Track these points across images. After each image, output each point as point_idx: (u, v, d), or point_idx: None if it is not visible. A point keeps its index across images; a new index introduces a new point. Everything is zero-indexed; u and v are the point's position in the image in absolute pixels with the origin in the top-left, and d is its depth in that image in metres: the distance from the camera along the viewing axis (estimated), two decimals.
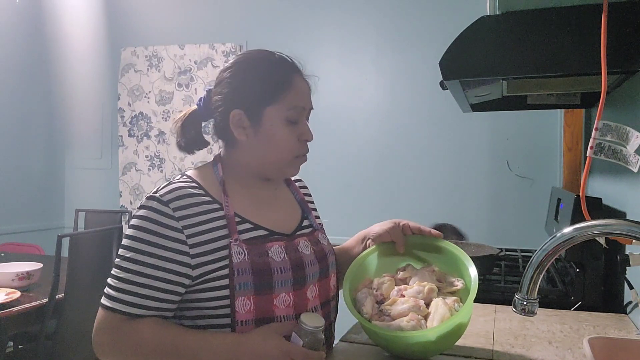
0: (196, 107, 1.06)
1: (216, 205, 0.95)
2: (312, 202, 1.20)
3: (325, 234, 1.12)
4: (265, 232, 0.98)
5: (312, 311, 0.99)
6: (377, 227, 1.15)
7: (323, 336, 0.91)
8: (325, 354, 0.90)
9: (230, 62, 1.04)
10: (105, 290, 0.91)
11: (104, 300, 0.91)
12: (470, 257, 1.59)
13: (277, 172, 1.04)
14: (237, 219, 0.96)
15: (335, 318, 1.11)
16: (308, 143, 1.04)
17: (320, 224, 1.15)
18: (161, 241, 0.90)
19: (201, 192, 0.96)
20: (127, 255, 0.90)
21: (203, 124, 1.08)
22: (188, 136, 1.06)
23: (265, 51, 1.04)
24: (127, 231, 0.93)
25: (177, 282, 0.90)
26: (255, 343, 0.86)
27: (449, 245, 1.11)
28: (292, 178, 1.18)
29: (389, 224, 1.14)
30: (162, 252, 0.90)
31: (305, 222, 1.09)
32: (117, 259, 0.92)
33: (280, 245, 0.97)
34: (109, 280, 0.91)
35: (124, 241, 0.93)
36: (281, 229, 1.02)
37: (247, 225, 0.97)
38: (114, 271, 0.91)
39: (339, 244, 1.26)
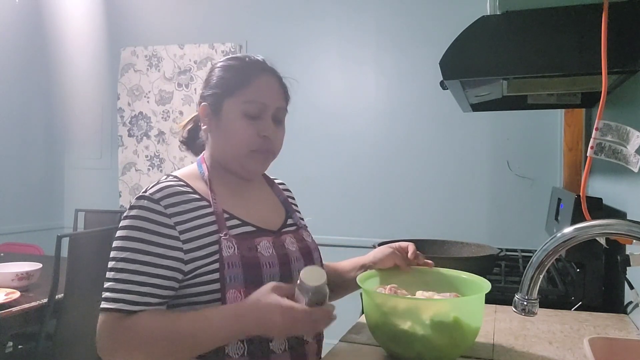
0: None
1: (204, 202, 0.98)
2: (296, 205, 1.22)
3: (309, 232, 1.14)
4: (253, 229, 1.01)
5: None
6: (378, 253, 1.16)
7: (327, 290, 0.87)
8: (333, 307, 0.87)
9: None
10: (104, 295, 0.91)
11: (104, 304, 0.90)
12: (470, 257, 1.59)
13: (238, 167, 1.04)
14: (226, 216, 0.99)
15: None
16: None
17: (303, 222, 1.17)
18: (155, 238, 0.91)
19: (189, 190, 0.99)
20: (122, 256, 0.91)
21: None
22: (194, 139, 1.15)
23: (241, 55, 1.10)
24: (119, 232, 0.94)
25: (171, 278, 0.92)
26: (255, 310, 0.85)
27: (462, 274, 1.12)
28: (276, 181, 1.21)
29: (387, 249, 1.15)
30: (158, 249, 0.91)
31: (290, 221, 1.12)
32: (111, 262, 0.92)
33: (269, 240, 1.00)
34: (107, 284, 0.91)
35: (117, 242, 0.93)
36: (268, 226, 1.05)
37: (235, 222, 0.99)
38: (110, 274, 0.91)
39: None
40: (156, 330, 0.88)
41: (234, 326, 0.86)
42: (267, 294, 0.86)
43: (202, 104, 1.05)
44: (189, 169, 1.07)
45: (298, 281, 0.86)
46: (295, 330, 0.87)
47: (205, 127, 1.06)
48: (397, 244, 1.18)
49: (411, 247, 1.17)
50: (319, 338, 1.06)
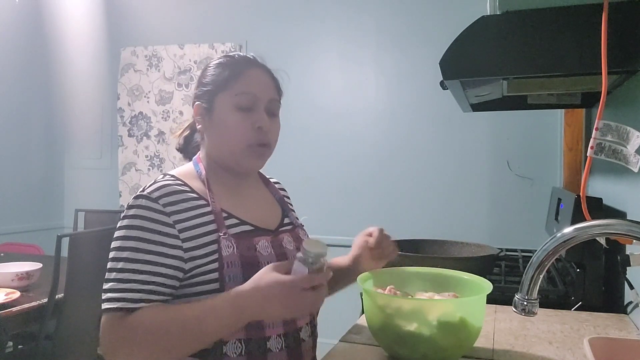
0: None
1: (202, 202, 0.98)
2: (291, 204, 1.22)
3: (305, 231, 1.15)
4: (251, 228, 1.01)
5: None
6: (356, 258, 1.16)
7: (326, 261, 0.87)
8: (330, 274, 0.87)
9: None
10: (105, 296, 0.90)
11: (106, 305, 0.89)
12: (470, 257, 1.58)
13: (234, 162, 1.04)
14: (224, 215, 0.99)
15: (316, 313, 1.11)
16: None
17: (299, 221, 1.17)
18: (156, 237, 0.91)
19: (187, 189, 0.98)
20: (122, 256, 0.90)
21: None
22: (189, 144, 1.16)
23: (231, 53, 1.12)
24: (118, 232, 0.93)
25: (173, 276, 0.92)
26: (256, 292, 0.85)
27: (464, 275, 1.12)
28: (272, 180, 1.21)
29: (357, 249, 1.16)
30: (158, 247, 0.91)
31: (286, 220, 1.12)
32: (111, 262, 0.92)
33: (267, 240, 1.01)
34: (108, 285, 0.90)
35: (116, 242, 0.93)
36: (265, 225, 1.05)
37: (233, 221, 0.99)
38: (111, 275, 0.91)
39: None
40: (158, 324, 0.87)
41: (236, 312, 0.85)
42: (267, 273, 0.86)
43: (196, 103, 1.06)
44: (185, 168, 1.06)
45: (299, 253, 0.85)
46: (295, 305, 0.84)
47: (200, 126, 1.06)
48: (364, 232, 1.17)
49: (375, 232, 1.14)
50: (314, 336, 1.06)
